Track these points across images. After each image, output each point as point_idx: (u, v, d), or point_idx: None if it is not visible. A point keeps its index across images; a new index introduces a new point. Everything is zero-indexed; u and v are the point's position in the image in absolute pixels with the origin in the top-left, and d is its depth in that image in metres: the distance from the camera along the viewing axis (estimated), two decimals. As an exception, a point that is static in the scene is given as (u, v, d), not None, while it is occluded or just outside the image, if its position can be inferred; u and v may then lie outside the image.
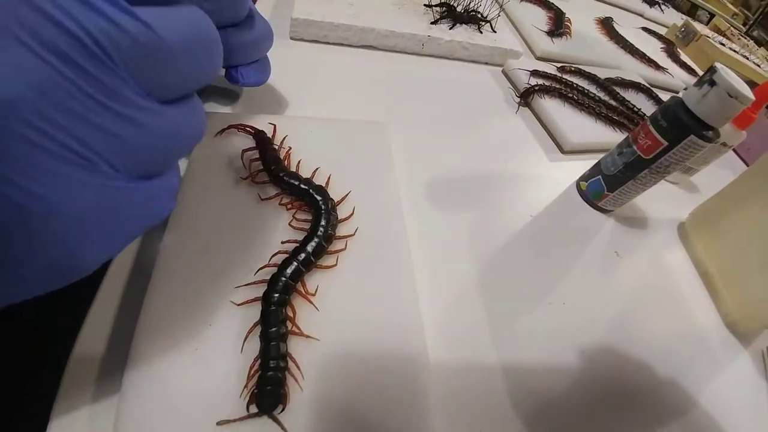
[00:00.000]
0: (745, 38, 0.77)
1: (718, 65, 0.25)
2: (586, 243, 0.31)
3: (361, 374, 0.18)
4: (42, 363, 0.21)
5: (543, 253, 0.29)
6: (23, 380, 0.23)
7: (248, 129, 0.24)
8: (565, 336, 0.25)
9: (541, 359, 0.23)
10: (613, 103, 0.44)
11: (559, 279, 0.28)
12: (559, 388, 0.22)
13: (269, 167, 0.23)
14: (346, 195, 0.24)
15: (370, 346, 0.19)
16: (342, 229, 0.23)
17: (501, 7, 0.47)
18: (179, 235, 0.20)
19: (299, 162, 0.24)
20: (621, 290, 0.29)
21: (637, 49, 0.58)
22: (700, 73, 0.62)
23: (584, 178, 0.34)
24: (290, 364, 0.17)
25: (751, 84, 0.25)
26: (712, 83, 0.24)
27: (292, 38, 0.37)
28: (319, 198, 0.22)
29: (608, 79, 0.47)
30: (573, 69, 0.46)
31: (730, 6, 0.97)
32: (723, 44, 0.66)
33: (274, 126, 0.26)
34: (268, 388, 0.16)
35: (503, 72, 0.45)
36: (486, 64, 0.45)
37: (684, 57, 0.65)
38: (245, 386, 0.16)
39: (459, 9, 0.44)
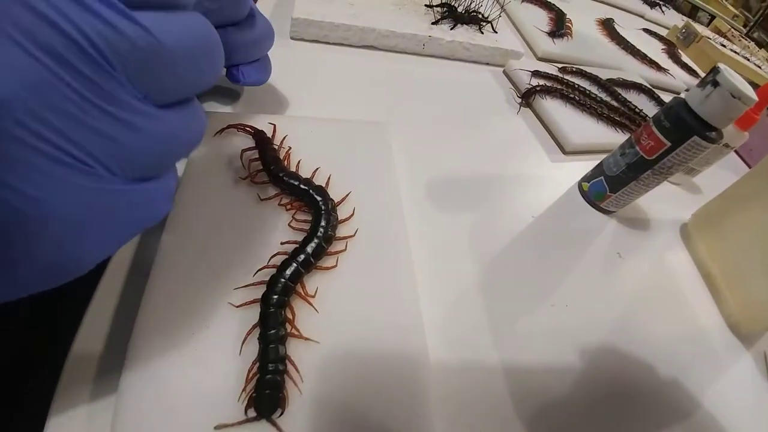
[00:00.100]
0: (746, 40, 0.77)
1: (721, 66, 0.24)
2: (588, 244, 0.31)
3: (361, 376, 0.18)
4: (41, 363, 0.21)
5: (544, 254, 0.29)
6: (23, 380, 0.23)
7: (248, 129, 0.24)
8: (566, 337, 0.24)
9: (542, 360, 0.23)
10: (615, 103, 0.44)
11: (561, 280, 0.27)
12: (561, 388, 0.22)
13: (269, 167, 0.23)
14: (347, 195, 0.24)
15: (370, 348, 0.19)
16: (342, 230, 0.22)
17: (502, 7, 0.47)
18: (178, 235, 0.20)
19: (299, 162, 0.24)
20: (623, 291, 0.29)
21: (638, 50, 0.58)
22: (701, 74, 0.62)
23: (586, 179, 0.34)
24: (289, 366, 0.17)
25: (752, 85, 0.25)
26: (716, 84, 0.24)
27: (292, 38, 0.37)
28: (319, 198, 0.22)
29: (610, 80, 0.47)
30: (574, 70, 0.46)
31: (731, 8, 0.97)
32: (724, 45, 0.66)
33: (274, 126, 0.25)
34: (267, 391, 0.16)
35: (504, 72, 0.45)
36: (487, 64, 0.45)
37: (685, 58, 0.65)
38: (243, 389, 0.16)
39: (460, 9, 0.44)
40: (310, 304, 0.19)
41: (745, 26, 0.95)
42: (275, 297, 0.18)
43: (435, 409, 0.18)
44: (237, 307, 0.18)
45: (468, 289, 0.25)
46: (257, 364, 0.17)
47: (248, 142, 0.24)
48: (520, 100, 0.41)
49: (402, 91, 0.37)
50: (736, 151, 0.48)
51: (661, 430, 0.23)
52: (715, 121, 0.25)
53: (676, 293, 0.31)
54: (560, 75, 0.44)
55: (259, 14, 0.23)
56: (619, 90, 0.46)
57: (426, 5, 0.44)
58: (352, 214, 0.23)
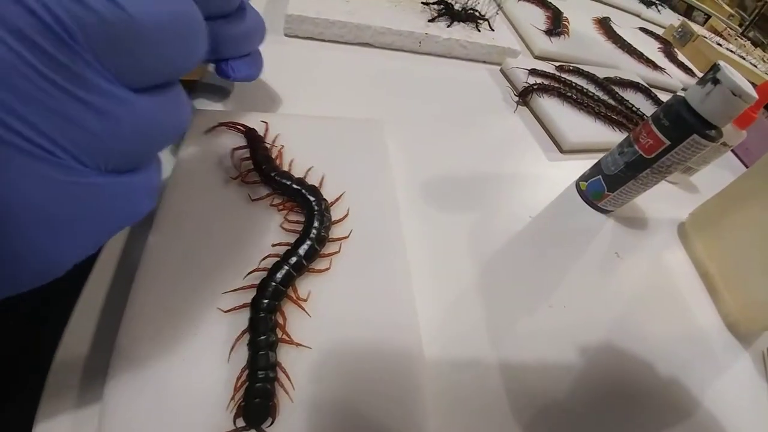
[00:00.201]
0: (742, 39, 0.77)
1: (721, 63, 0.24)
2: (585, 244, 0.31)
3: (354, 383, 0.17)
4: (26, 368, 0.21)
5: (542, 254, 0.28)
6: (5, 387, 0.22)
7: (239, 127, 0.24)
8: (563, 336, 0.24)
9: (539, 359, 0.23)
10: (612, 102, 0.44)
11: (559, 279, 0.27)
12: (558, 387, 0.22)
13: (260, 166, 0.22)
14: (341, 195, 0.23)
15: (364, 354, 0.18)
16: (336, 231, 0.22)
17: (499, 5, 0.47)
18: (165, 236, 0.19)
19: (291, 161, 0.24)
20: (621, 291, 0.28)
21: (634, 48, 0.58)
22: (698, 73, 0.62)
23: (584, 178, 0.34)
24: (280, 374, 0.16)
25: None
26: (716, 81, 0.24)
27: (286, 35, 0.36)
28: (312, 198, 0.21)
29: (607, 79, 0.47)
30: (571, 68, 0.46)
31: (726, 7, 0.97)
32: (720, 45, 0.66)
33: (266, 124, 0.25)
34: (257, 400, 0.15)
35: (501, 71, 0.45)
36: (484, 62, 0.45)
37: (681, 57, 0.65)
38: (232, 398, 0.16)
39: (457, 7, 0.44)
40: (302, 308, 0.19)
41: (740, 25, 0.95)
42: (265, 301, 0.17)
43: (430, 408, 0.18)
44: (226, 312, 0.18)
45: (465, 288, 0.24)
46: (246, 372, 0.16)
47: (239, 140, 0.24)
48: (517, 99, 0.40)
49: (398, 89, 0.37)
50: (733, 151, 0.48)
51: (659, 429, 0.23)
52: (715, 119, 0.25)
53: (674, 293, 0.30)
54: (557, 73, 0.43)
55: (250, 7, 0.23)
56: (617, 89, 0.46)
57: (422, 2, 0.44)
58: (347, 215, 0.23)
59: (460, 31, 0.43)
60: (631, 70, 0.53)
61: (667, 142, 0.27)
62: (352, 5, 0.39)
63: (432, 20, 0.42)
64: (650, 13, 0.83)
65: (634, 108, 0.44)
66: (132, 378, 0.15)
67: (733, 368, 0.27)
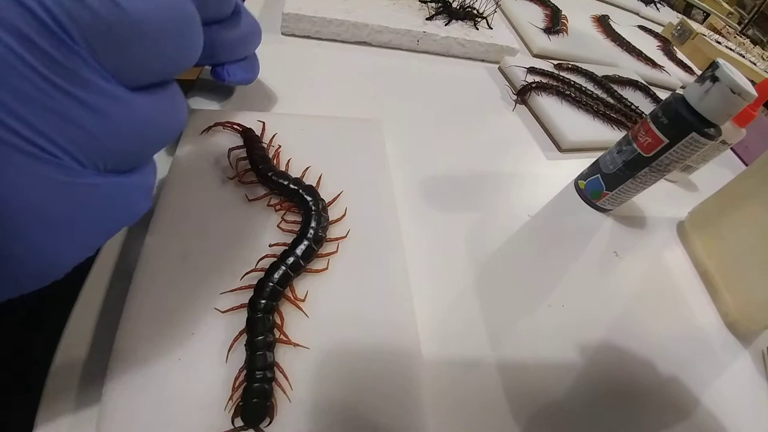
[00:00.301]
0: (741, 37, 0.77)
1: (720, 61, 0.24)
2: (584, 243, 0.31)
3: (352, 382, 0.17)
4: (25, 369, 0.21)
5: (540, 253, 0.28)
6: (5, 389, 0.22)
7: (235, 126, 0.23)
8: (562, 335, 0.24)
9: (538, 359, 0.23)
10: (611, 100, 0.44)
11: (557, 279, 0.27)
12: (557, 386, 0.22)
13: (257, 166, 0.22)
14: (338, 195, 0.23)
15: (362, 353, 0.18)
16: (333, 231, 0.22)
17: (497, 3, 0.47)
18: (162, 237, 0.19)
19: (289, 161, 0.24)
20: (620, 290, 0.28)
21: (633, 47, 0.58)
22: (697, 70, 0.62)
23: (583, 176, 0.33)
24: (278, 373, 0.16)
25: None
26: (715, 79, 0.24)
27: (283, 34, 0.36)
28: (309, 198, 0.21)
29: (605, 77, 0.47)
30: (570, 66, 0.45)
31: (725, 5, 0.97)
32: (719, 42, 0.66)
33: (263, 123, 0.25)
34: (254, 400, 0.15)
35: (499, 69, 0.44)
36: (482, 61, 0.45)
37: (680, 55, 0.65)
38: (230, 398, 0.15)
39: (455, 5, 0.43)
40: (300, 308, 0.19)
41: (739, 23, 0.95)
42: (263, 302, 0.17)
43: (429, 407, 0.18)
44: (223, 312, 0.18)
45: (463, 288, 0.24)
46: (244, 372, 0.16)
47: (236, 140, 0.24)
48: (515, 97, 0.40)
49: (396, 87, 0.36)
50: (732, 149, 0.48)
51: (659, 428, 0.22)
52: (714, 118, 0.25)
53: (674, 292, 0.30)
54: (556, 72, 0.43)
55: (245, 12, 0.23)
56: (615, 87, 0.46)
57: (420, 0, 0.43)
58: (344, 215, 0.22)
59: (458, 30, 0.43)
60: (630, 68, 0.53)
61: (666, 141, 0.26)
62: (350, 3, 0.38)
63: (430, 18, 0.42)
64: (649, 11, 0.83)
65: (633, 106, 0.44)
66: (131, 379, 0.15)
67: (733, 367, 0.27)
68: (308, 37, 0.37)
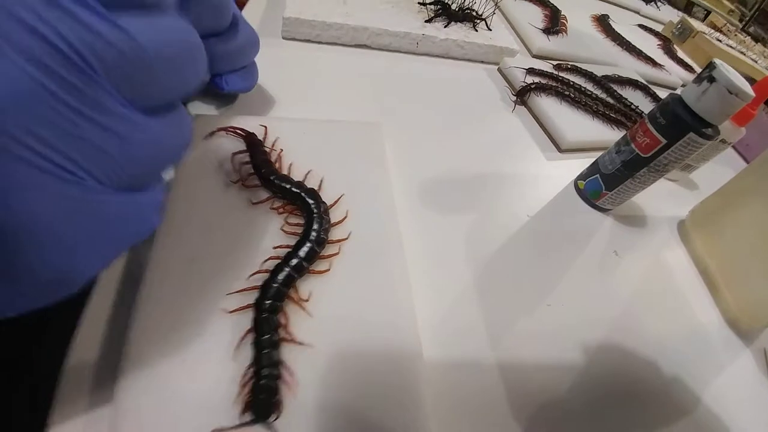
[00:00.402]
0: (742, 35, 0.76)
1: (717, 61, 0.24)
2: (584, 243, 0.31)
3: (356, 379, 0.18)
4: (36, 373, 0.21)
5: (540, 254, 0.28)
6: (16, 392, 0.23)
7: (238, 131, 0.24)
8: (563, 335, 0.24)
9: (538, 358, 0.23)
10: (611, 100, 0.44)
11: (558, 279, 0.27)
12: (558, 386, 0.22)
13: (260, 170, 0.22)
14: (339, 198, 0.23)
15: (364, 351, 0.19)
16: (335, 233, 0.22)
17: (496, 4, 0.47)
18: (169, 240, 0.19)
19: (291, 164, 0.24)
20: (620, 289, 0.29)
21: (633, 46, 0.58)
22: (697, 69, 0.62)
23: (582, 177, 0.34)
24: (283, 371, 0.17)
25: (749, 80, 0.25)
26: (712, 80, 0.24)
27: (284, 38, 0.37)
28: (311, 201, 0.22)
29: (605, 77, 0.47)
30: (569, 66, 0.46)
31: (726, 2, 0.97)
32: (719, 41, 0.66)
33: (265, 128, 0.25)
34: (262, 396, 0.16)
35: (499, 70, 0.45)
36: (481, 62, 0.45)
37: (681, 54, 0.65)
38: (239, 394, 0.16)
39: (454, 7, 0.44)
40: (304, 308, 0.19)
41: (740, 21, 0.95)
42: (268, 302, 0.18)
43: (430, 408, 0.18)
44: (230, 312, 0.18)
45: (464, 288, 0.24)
46: (252, 369, 0.16)
47: (239, 145, 0.24)
48: (514, 98, 0.40)
49: (396, 90, 0.37)
50: (733, 147, 0.48)
51: (660, 426, 0.23)
52: (712, 118, 0.25)
53: (674, 290, 0.30)
54: (555, 72, 0.43)
55: (243, 22, 0.23)
56: (615, 86, 0.46)
57: (419, 3, 0.44)
58: (345, 217, 0.23)
59: (458, 32, 0.43)
60: (630, 67, 0.53)
61: (664, 141, 0.27)
62: (349, 7, 0.39)
63: (429, 21, 0.42)
64: (650, 9, 0.83)
65: (632, 106, 0.44)
66: (143, 378, 0.16)
67: (734, 365, 0.27)
68: (309, 41, 0.37)
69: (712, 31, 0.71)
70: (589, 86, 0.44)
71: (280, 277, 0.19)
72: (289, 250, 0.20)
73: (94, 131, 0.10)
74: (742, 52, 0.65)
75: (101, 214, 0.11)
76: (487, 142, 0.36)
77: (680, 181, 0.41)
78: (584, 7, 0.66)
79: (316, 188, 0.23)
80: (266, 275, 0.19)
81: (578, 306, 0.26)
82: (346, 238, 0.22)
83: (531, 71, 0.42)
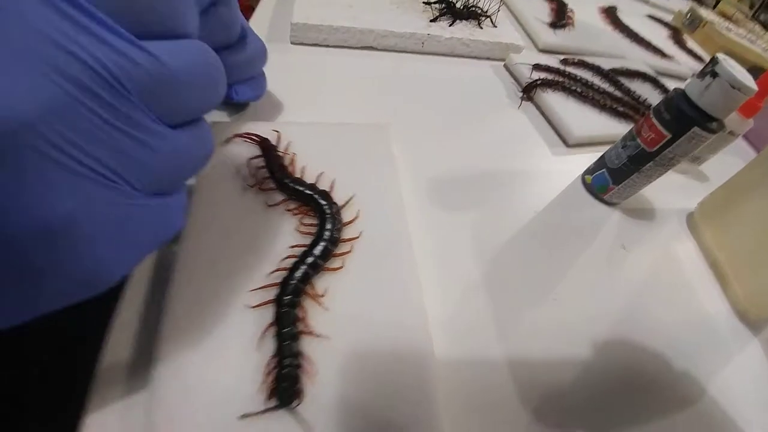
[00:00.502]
0: (752, 23, 0.75)
1: (720, 56, 0.24)
2: (592, 237, 0.31)
3: (370, 368, 0.19)
4: (71, 366, 0.22)
5: (548, 249, 0.29)
6: (53, 384, 0.24)
7: (253, 137, 0.25)
8: (572, 329, 0.25)
9: (548, 353, 0.23)
10: (618, 93, 0.44)
11: (566, 273, 0.28)
12: (568, 380, 0.22)
13: (274, 174, 0.23)
14: (350, 198, 0.24)
15: (378, 343, 0.20)
16: (347, 232, 0.23)
17: (501, 0, 0.47)
18: (193, 243, 0.21)
19: (303, 167, 0.25)
20: (629, 282, 0.29)
21: (642, 37, 0.57)
22: (707, 59, 0.61)
23: (589, 171, 0.34)
24: (304, 361, 0.18)
25: (759, 69, 0.25)
26: (714, 75, 0.24)
27: (292, 43, 0.37)
28: (323, 203, 0.23)
29: (613, 70, 0.47)
30: (576, 60, 0.45)
31: (738, -12, 0.94)
32: (729, 29, 0.65)
33: (278, 133, 0.26)
34: (284, 384, 0.17)
35: (505, 67, 0.45)
36: (487, 59, 0.45)
37: (690, 44, 0.64)
38: (263, 383, 0.17)
39: (458, 5, 0.44)
40: (320, 303, 0.20)
41: (750, 8, 0.92)
42: (287, 297, 0.19)
43: (442, 402, 0.19)
44: (252, 308, 0.19)
45: (472, 285, 0.25)
46: (274, 360, 0.18)
47: (254, 150, 0.25)
48: (521, 95, 0.41)
49: (402, 90, 0.38)
50: (744, 137, 0.47)
51: (670, 417, 0.23)
52: (716, 112, 0.25)
53: (682, 283, 0.30)
54: (562, 67, 0.43)
55: (252, 34, 0.24)
56: (623, 79, 0.46)
57: (424, 2, 0.44)
58: (357, 217, 0.24)
59: (463, 30, 0.43)
60: (638, 59, 0.52)
61: (669, 135, 0.27)
62: (355, 10, 0.40)
63: (434, 20, 0.43)
64: (659, -2, 0.81)
65: (641, 99, 0.44)
66: (174, 368, 0.17)
67: (743, 356, 0.27)
68: (316, 45, 0.38)
69: (722, 20, 0.69)
70: (597, 80, 0.44)
71: (298, 274, 0.20)
72: (305, 249, 0.21)
73: (127, 143, 0.12)
74: (752, 41, 0.63)
75: (134, 216, 0.12)
76: (494, 139, 0.36)
77: (690, 173, 0.41)
78: (591, 0, 0.66)
79: (328, 190, 0.24)
80: (284, 273, 0.20)
81: (586, 300, 0.26)
82: (358, 237, 0.23)
83: (537, 67, 0.42)
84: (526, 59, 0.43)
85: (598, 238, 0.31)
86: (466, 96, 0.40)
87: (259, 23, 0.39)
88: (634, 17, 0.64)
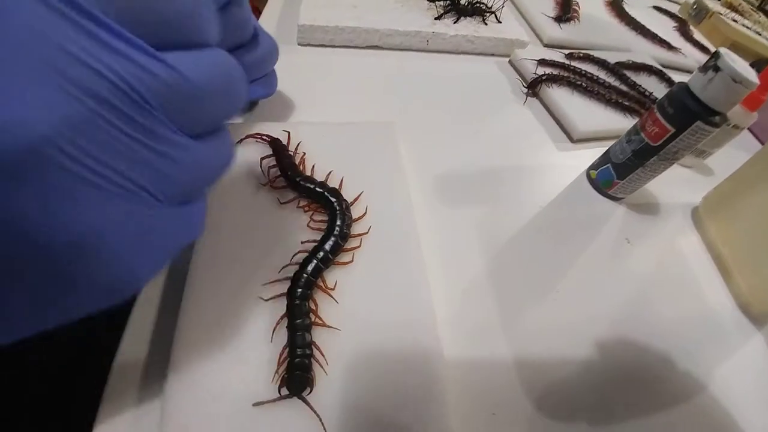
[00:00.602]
0: (758, 14, 0.73)
1: (721, 50, 0.25)
2: (597, 232, 0.31)
3: (379, 358, 0.20)
4: (88, 364, 0.23)
5: (554, 244, 0.29)
6: (70, 383, 0.25)
7: (264, 137, 0.26)
8: (577, 324, 0.25)
9: (553, 348, 0.24)
10: (624, 87, 0.44)
11: (571, 268, 0.28)
12: (573, 375, 0.23)
13: (286, 173, 0.24)
14: (359, 195, 0.25)
15: (386, 335, 0.21)
16: (356, 228, 0.24)
17: (505, -4, 0.47)
18: (209, 239, 0.22)
19: (313, 166, 0.26)
20: (633, 277, 0.29)
21: (648, 30, 0.57)
22: (714, 50, 0.60)
23: (594, 166, 0.34)
24: (315, 351, 0.19)
25: (764, 61, 0.25)
26: (717, 69, 0.24)
27: (299, 44, 0.38)
28: (333, 200, 0.24)
29: (618, 63, 0.46)
30: (581, 55, 0.45)
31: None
32: (736, 20, 0.64)
33: (288, 133, 0.27)
34: (297, 372, 0.18)
35: (510, 62, 0.45)
36: (492, 55, 0.45)
37: (697, 35, 0.63)
38: (276, 372, 0.18)
39: (462, 1, 0.44)
40: (331, 296, 0.21)
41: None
42: (299, 290, 0.20)
43: (449, 397, 0.19)
44: (266, 300, 0.20)
45: (478, 280, 0.26)
46: (287, 350, 0.19)
47: (266, 149, 0.26)
48: (526, 90, 0.41)
49: (408, 88, 0.38)
50: (749, 130, 0.47)
51: (674, 410, 0.23)
52: (718, 106, 0.25)
53: (686, 277, 0.31)
54: (567, 62, 0.43)
55: (263, 32, 0.24)
56: (629, 73, 0.46)
57: (428, 0, 0.45)
58: (365, 213, 0.25)
59: (467, 27, 0.44)
60: (644, 52, 0.52)
61: (672, 130, 0.27)
62: (360, 10, 0.40)
63: (439, 18, 0.43)
64: (666, -12, 0.80)
65: (646, 92, 0.44)
66: (192, 360, 0.18)
67: (746, 349, 0.28)
68: (323, 45, 0.39)
69: (728, 11, 0.68)
70: (602, 74, 0.44)
71: (309, 268, 0.21)
72: (315, 244, 0.22)
73: (149, 155, 0.12)
74: (758, 32, 0.62)
75: (157, 226, 0.13)
76: (500, 135, 0.37)
77: (695, 167, 0.41)
78: (597, -8, 0.65)
79: (337, 187, 0.25)
80: (296, 267, 0.21)
81: (591, 294, 0.27)
82: (367, 233, 0.24)
83: (542, 62, 0.42)
84: (531, 54, 0.43)
85: (602, 232, 0.32)
86: (471, 93, 0.40)
87: (266, 26, 0.40)
88: (639, 9, 0.63)
